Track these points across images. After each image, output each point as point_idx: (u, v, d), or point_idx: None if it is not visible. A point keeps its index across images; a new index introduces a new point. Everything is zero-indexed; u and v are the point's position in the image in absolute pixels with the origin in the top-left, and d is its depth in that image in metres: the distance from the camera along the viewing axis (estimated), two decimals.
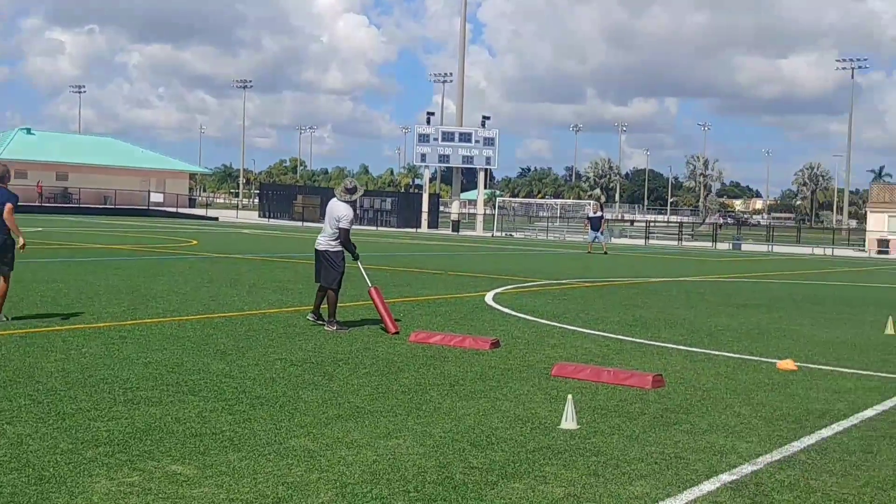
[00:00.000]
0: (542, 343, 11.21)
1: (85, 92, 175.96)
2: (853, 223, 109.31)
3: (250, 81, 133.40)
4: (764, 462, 6.12)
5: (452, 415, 7.20)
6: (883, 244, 54.08)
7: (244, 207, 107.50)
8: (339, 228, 11.74)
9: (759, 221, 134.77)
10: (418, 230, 64.41)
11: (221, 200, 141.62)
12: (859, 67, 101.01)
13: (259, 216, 76.50)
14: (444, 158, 69.07)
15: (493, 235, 61.81)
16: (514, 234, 65.17)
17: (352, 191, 11.97)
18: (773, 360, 10.30)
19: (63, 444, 5.84)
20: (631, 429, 6.95)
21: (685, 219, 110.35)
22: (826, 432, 7.04)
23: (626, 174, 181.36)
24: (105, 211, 71.01)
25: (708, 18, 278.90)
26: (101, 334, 10.38)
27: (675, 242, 60.46)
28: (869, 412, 7.84)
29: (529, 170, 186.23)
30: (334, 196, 12.16)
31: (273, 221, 70.42)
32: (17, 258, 11.29)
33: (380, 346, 10.43)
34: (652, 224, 78.46)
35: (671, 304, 16.90)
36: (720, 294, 19.70)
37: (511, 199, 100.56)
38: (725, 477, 5.74)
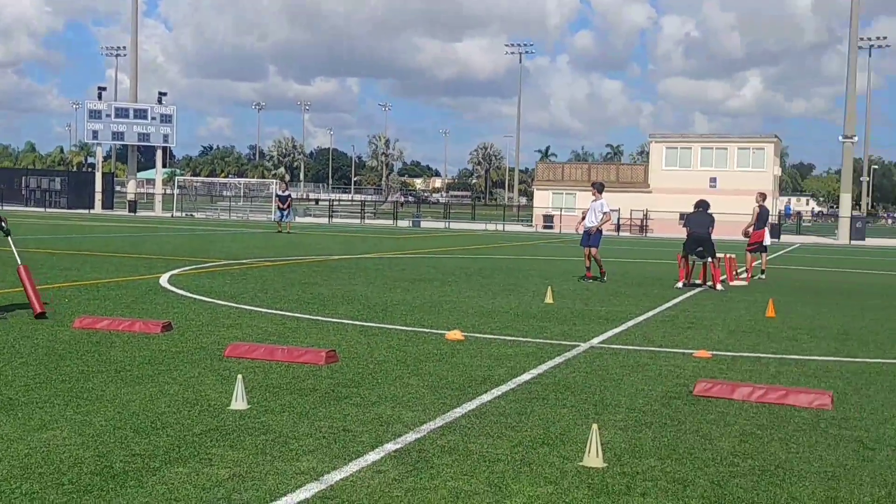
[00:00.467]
0: (216, 324, 10.97)
1: None
2: (523, 200, 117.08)
3: None
4: (427, 429, 6.37)
5: (116, 402, 6.85)
6: (548, 219, 58.34)
7: None
8: None
9: (438, 199, 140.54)
10: (91, 211, 60.90)
11: None
12: (526, 52, 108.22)
13: None
14: (118, 136, 65.78)
15: (172, 216, 59.76)
16: (195, 214, 63.43)
17: None
18: (443, 332, 10.76)
19: None
20: (302, 405, 6.97)
21: (368, 197, 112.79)
22: (486, 397, 7.45)
23: (311, 153, 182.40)
24: None
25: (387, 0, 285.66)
26: None
27: (358, 220, 61.66)
28: (526, 376, 8.39)
29: (212, 148, 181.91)
30: None
31: None
32: None
33: (40, 334, 9.72)
34: (336, 203, 79.45)
35: (350, 280, 17.19)
36: (397, 270, 20.32)
37: (192, 178, 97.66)
38: (390, 446, 5.90)
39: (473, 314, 12.73)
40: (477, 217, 69.92)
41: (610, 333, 11.29)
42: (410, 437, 6.15)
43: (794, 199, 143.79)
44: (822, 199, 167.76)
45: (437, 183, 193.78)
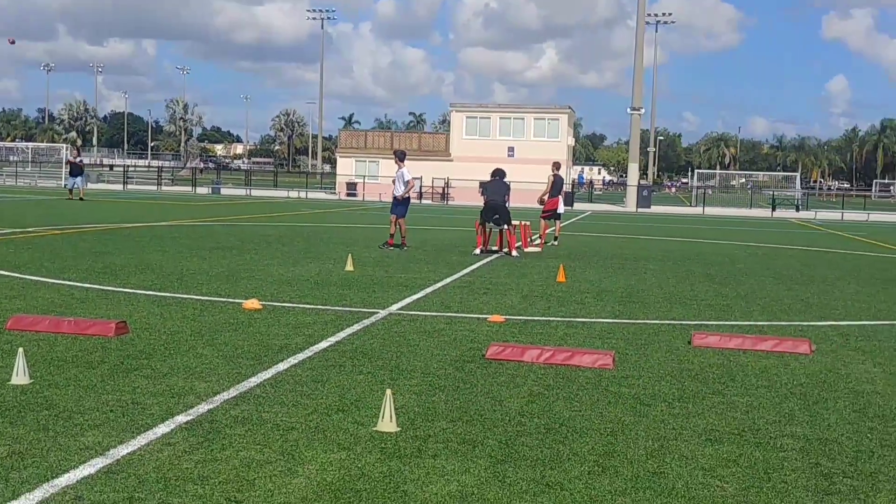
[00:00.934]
0: None
1: None
2: (327, 167, 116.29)
3: None
4: (221, 400, 6.26)
5: None
6: (351, 187, 58.22)
7: None
8: None
9: (239, 166, 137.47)
10: None
11: None
12: (329, 18, 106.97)
13: None
14: None
15: None
16: None
17: None
18: (240, 301, 10.58)
19: None
20: (89, 379, 6.69)
21: (166, 163, 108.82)
22: (282, 366, 7.40)
23: (105, 117, 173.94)
24: None
25: None
26: None
27: (155, 187, 59.45)
28: (323, 344, 8.38)
29: None
30: None
31: None
32: None
33: None
34: (132, 169, 76.22)
35: (144, 249, 16.59)
36: (194, 238, 19.78)
37: None
38: (181, 418, 5.77)
39: (272, 283, 12.58)
40: (280, 184, 68.91)
41: (409, 300, 11.44)
42: (203, 408, 6.04)
43: (586, 169, 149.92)
44: (612, 168, 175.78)
45: (239, 149, 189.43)
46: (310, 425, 5.76)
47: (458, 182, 55.07)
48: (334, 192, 60.58)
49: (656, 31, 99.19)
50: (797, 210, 57.75)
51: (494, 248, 18.78)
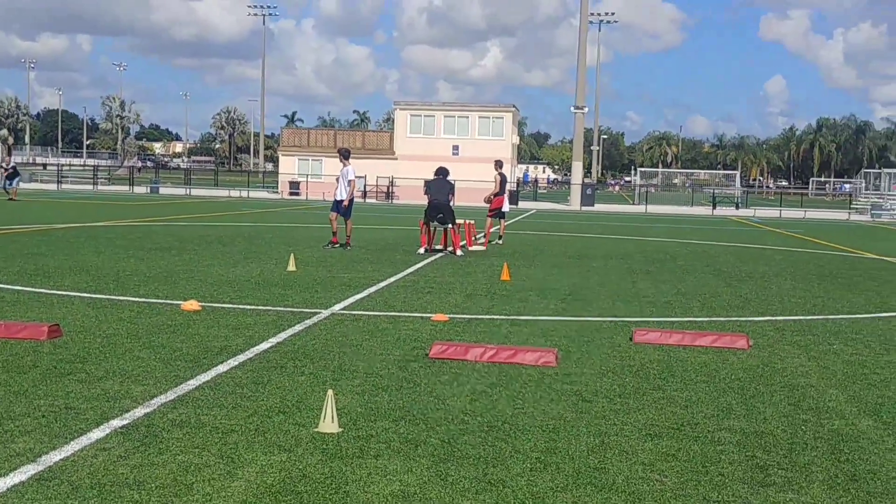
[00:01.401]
0: None
1: None
2: (269, 166, 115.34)
3: None
4: (158, 403, 6.15)
5: None
6: (294, 186, 57.79)
7: None
8: None
9: (178, 165, 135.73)
10: None
11: None
12: (271, 14, 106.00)
13: None
14: None
15: None
16: None
17: None
18: (179, 302, 10.42)
19: None
20: (20, 384, 6.52)
21: (103, 162, 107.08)
22: (222, 368, 7.29)
23: (38, 114, 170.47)
24: None
25: None
26: None
27: (91, 187, 58.45)
28: (264, 345, 8.28)
29: None
30: None
31: None
32: None
33: None
34: (66, 168, 74.84)
35: (79, 250, 16.27)
36: (131, 238, 19.45)
37: None
38: (116, 422, 5.65)
39: (212, 283, 12.41)
40: (220, 183, 68.14)
41: (352, 300, 11.37)
42: (139, 412, 5.92)
43: (531, 167, 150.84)
44: (557, 166, 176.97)
45: (178, 147, 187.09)
46: (250, 427, 5.68)
47: (402, 181, 54.99)
48: (277, 192, 60.09)
49: (599, 31, 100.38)
50: (737, 208, 58.71)
51: (438, 246, 18.77)
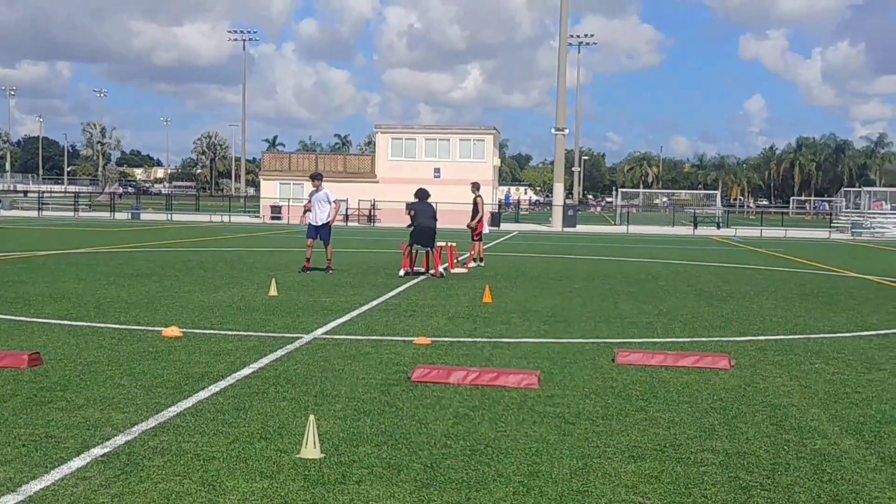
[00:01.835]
0: None
1: None
2: (251, 190, 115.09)
3: None
4: (139, 431, 6.11)
5: None
6: (276, 210, 57.71)
7: None
8: None
9: (160, 190, 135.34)
10: None
11: None
12: (250, 39, 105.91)
13: None
14: None
15: None
16: None
17: None
18: (160, 329, 10.37)
19: None
20: (0, 412, 6.48)
21: (84, 189, 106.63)
22: (203, 394, 7.25)
23: (18, 142, 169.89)
24: None
25: None
26: None
27: (72, 213, 58.18)
28: (246, 371, 8.25)
29: None
30: None
31: None
32: None
33: None
34: (47, 194, 74.51)
35: (59, 277, 16.17)
36: (112, 265, 19.36)
37: None
38: (97, 451, 5.61)
39: (193, 309, 12.36)
40: (202, 208, 67.99)
41: (334, 324, 11.35)
42: (120, 439, 5.88)
43: (513, 189, 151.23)
44: (538, 188, 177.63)
45: (160, 173, 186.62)
46: (231, 454, 5.65)
47: (384, 204, 55.00)
48: (258, 216, 59.99)
49: (579, 53, 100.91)
50: (718, 227, 59.03)
51: (420, 269, 18.77)
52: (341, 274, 18.28)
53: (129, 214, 55.60)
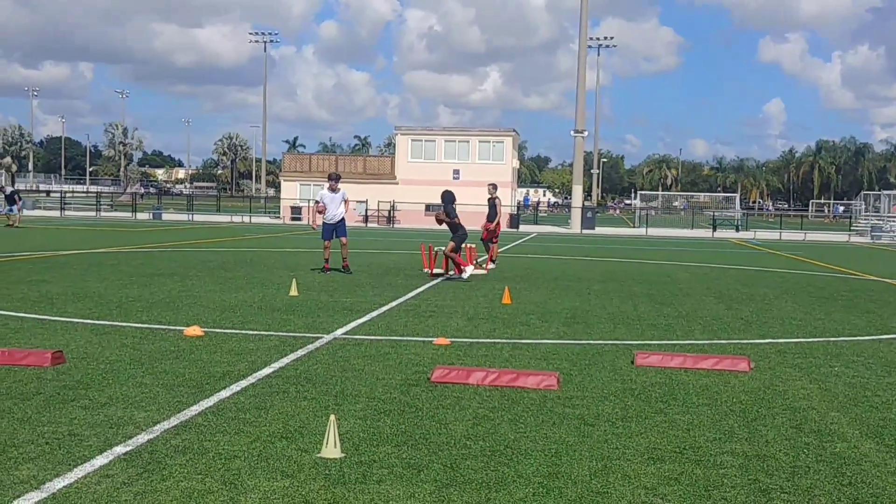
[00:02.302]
0: None
1: None
2: (271, 191, 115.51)
3: None
4: (161, 429, 6.16)
5: None
6: (295, 211, 57.88)
7: None
8: None
9: (181, 191, 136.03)
10: None
11: None
12: (271, 41, 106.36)
13: None
14: None
15: None
16: None
17: None
18: (182, 328, 10.44)
19: None
20: (23, 411, 6.54)
21: (105, 189, 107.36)
22: (225, 393, 7.31)
23: (41, 142, 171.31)
24: None
25: None
26: None
27: (94, 213, 58.58)
28: (267, 370, 8.30)
29: None
30: None
31: None
32: None
33: None
34: (69, 194, 75.05)
35: (82, 277, 16.31)
36: (134, 265, 19.50)
37: None
38: (119, 449, 5.66)
39: (214, 309, 12.44)
40: (222, 209, 68.32)
41: (354, 324, 11.40)
42: (142, 438, 5.93)
43: (531, 191, 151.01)
44: (557, 190, 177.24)
45: (181, 174, 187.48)
46: (252, 453, 5.69)
47: (403, 205, 55.07)
48: (279, 217, 60.19)
49: (598, 55, 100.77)
50: (737, 230, 58.74)
51: (439, 271, 18.79)
52: (361, 274, 18.33)
53: (151, 215, 55.92)
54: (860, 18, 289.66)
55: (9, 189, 40.20)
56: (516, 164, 65.19)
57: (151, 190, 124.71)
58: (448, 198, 18.54)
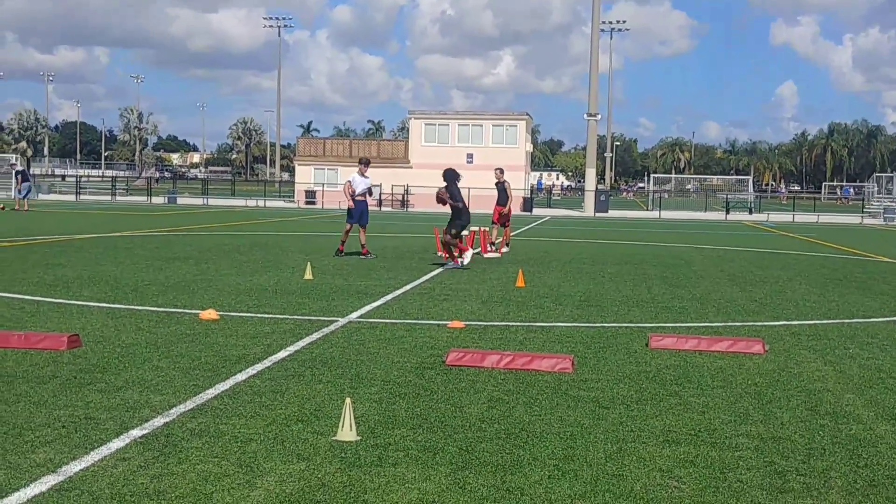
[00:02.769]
0: None
1: None
2: (286, 175, 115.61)
3: None
4: (177, 413, 6.20)
5: None
6: (310, 195, 57.96)
7: None
8: None
9: (196, 175, 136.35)
10: None
11: None
12: (286, 26, 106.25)
13: None
14: None
15: None
16: None
17: None
18: (197, 312, 10.48)
19: None
20: (40, 394, 6.59)
21: (121, 173, 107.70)
22: (240, 377, 7.34)
23: (56, 127, 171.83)
24: None
25: None
26: None
27: (110, 197, 58.80)
28: (282, 353, 8.33)
29: None
30: None
31: None
32: None
33: None
34: (85, 179, 75.32)
35: (97, 260, 16.38)
36: (149, 248, 19.57)
37: None
38: (136, 432, 5.70)
39: (230, 293, 12.48)
40: (237, 193, 68.44)
41: (368, 308, 11.41)
42: (158, 421, 5.97)
43: (545, 175, 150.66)
44: (570, 173, 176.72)
45: (196, 158, 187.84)
46: (268, 436, 5.72)
47: (417, 189, 55.03)
48: (293, 201, 60.26)
49: (611, 38, 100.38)
50: (750, 213, 58.49)
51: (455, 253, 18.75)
52: (375, 258, 18.34)
53: (166, 199, 56.11)
54: (872, 1, 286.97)
55: (19, 167, 40.25)
56: (530, 147, 65.01)
57: (166, 174, 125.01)
58: (450, 175, 17.32)
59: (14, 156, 70.04)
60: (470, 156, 58.09)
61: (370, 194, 18.74)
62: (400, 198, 56.21)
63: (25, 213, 35.47)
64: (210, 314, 10.20)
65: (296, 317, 10.54)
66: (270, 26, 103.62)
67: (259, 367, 7.74)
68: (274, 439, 5.66)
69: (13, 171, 39.56)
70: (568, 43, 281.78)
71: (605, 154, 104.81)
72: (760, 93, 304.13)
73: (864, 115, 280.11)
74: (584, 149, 69.33)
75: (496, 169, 22.29)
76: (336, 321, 10.26)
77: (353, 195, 18.31)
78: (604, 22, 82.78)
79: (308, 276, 14.38)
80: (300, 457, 5.32)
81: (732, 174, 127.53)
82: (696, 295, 13.60)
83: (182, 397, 6.62)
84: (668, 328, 10.39)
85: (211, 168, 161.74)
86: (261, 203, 56.66)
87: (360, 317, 10.68)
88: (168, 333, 9.21)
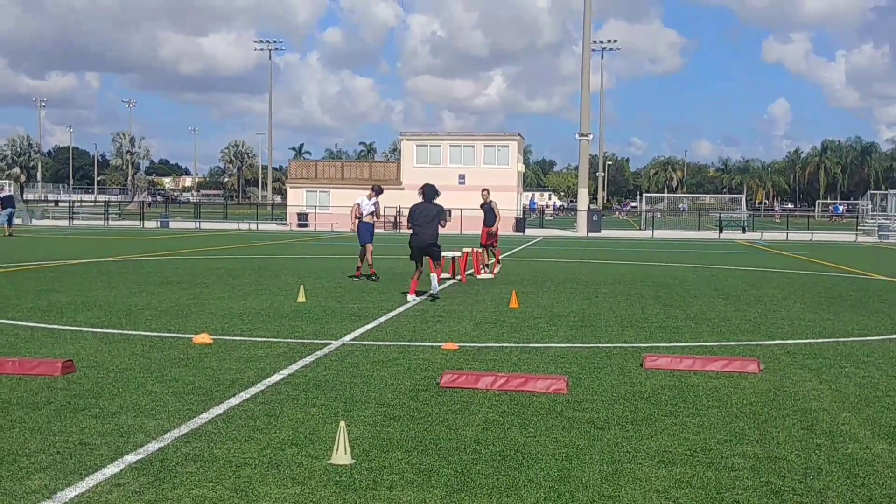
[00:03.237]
0: None
1: None
2: (278, 198, 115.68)
3: None
4: (171, 437, 6.17)
5: None
6: (302, 217, 57.98)
7: None
8: None
9: (188, 199, 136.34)
10: None
11: None
12: (276, 49, 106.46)
13: None
14: None
15: None
16: None
17: None
18: (190, 336, 10.46)
19: None
20: (34, 420, 6.56)
21: (113, 198, 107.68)
22: (234, 401, 7.32)
23: (49, 152, 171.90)
24: None
25: None
26: None
27: (102, 222, 58.75)
28: (276, 377, 8.31)
29: None
30: None
31: None
32: None
33: None
34: (78, 204, 75.27)
35: (91, 285, 16.35)
36: (142, 273, 19.54)
37: None
38: (130, 458, 5.67)
39: (223, 316, 12.45)
40: (229, 216, 68.42)
41: (362, 330, 11.40)
42: (153, 446, 5.94)
43: (537, 194, 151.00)
44: (562, 193, 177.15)
45: (188, 182, 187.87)
46: (263, 460, 5.70)
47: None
48: (285, 223, 60.28)
49: (602, 58, 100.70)
50: (743, 231, 58.63)
51: (446, 275, 18.78)
52: (368, 280, 18.33)
53: (159, 223, 56.06)
54: (864, 17, 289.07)
55: (4, 192, 40.24)
56: (522, 167, 65.11)
57: (159, 198, 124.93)
58: (427, 192, 15.31)
59: (7, 182, 69.92)
60: (462, 177, 58.21)
61: (376, 216, 19.13)
62: (392, 219, 56.24)
63: (10, 238, 35.47)
64: (203, 338, 10.18)
65: (289, 340, 10.52)
66: (261, 49, 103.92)
67: (253, 390, 7.72)
68: (268, 463, 5.64)
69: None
70: (559, 63, 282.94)
71: (597, 174, 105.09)
72: (753, 110, 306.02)
73: (857, 131, 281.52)
74: (577, 168, 69.48)
75: (483, 190, 22.41)
76: (330, 344, 10.24)
77: (360, 216, 18.71)
78: (594, 41, 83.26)
79: (301, 298, 14.37)
80: (295, 481, 5.30)
81: (725, 193, 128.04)
82: (690, 314, 13.61)
83: (176, 422, 6.59)
84: (663, 348, 10.40)
85: (203, 191, 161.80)
86: (253, 226, 56.65)
87: (354, 339, 10.67)
88: (162, 358, 9.19)
